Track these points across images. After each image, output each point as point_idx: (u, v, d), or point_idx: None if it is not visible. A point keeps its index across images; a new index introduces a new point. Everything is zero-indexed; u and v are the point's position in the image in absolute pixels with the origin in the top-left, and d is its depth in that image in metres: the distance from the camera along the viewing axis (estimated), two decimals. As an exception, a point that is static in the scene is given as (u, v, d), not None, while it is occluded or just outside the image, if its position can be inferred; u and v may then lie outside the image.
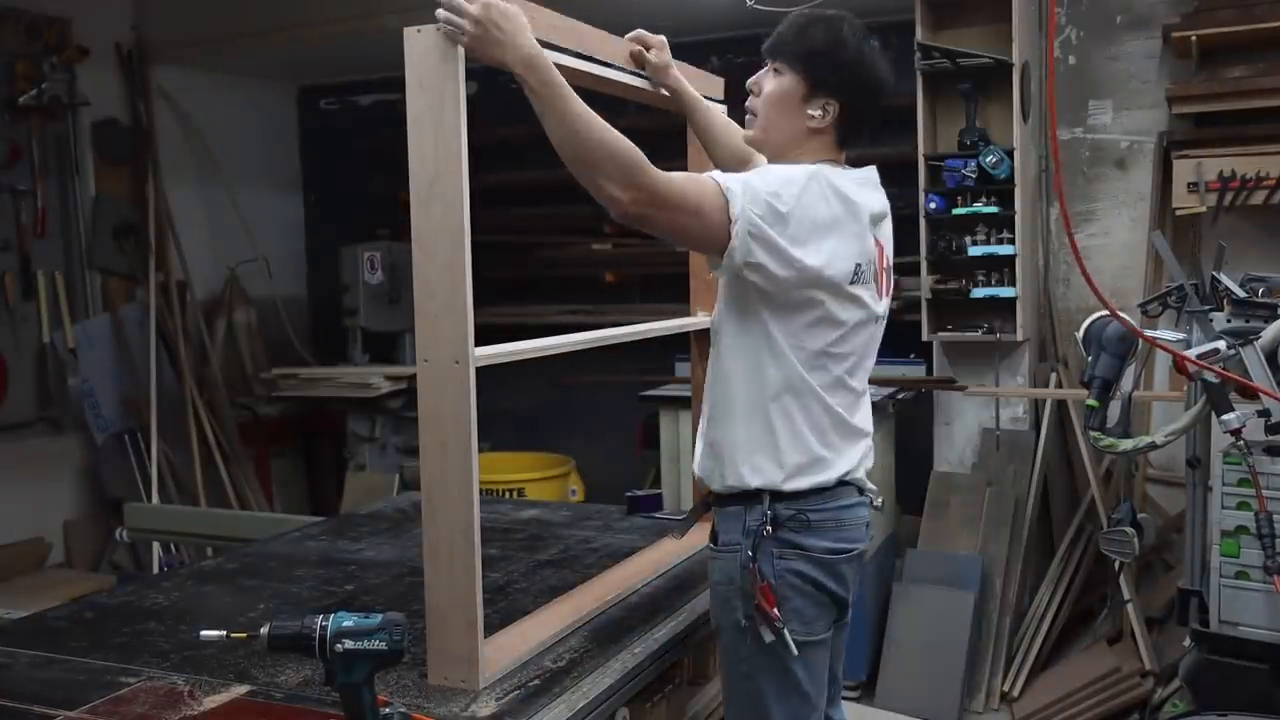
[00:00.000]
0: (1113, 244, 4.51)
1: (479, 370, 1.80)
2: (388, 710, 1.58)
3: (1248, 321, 2.48)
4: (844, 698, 2.33)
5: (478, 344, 1.80)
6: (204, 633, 1.56)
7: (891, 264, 2.05)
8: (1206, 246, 4.12)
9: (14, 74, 5.04)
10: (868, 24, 1.99)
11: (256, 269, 6.21)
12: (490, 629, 1.98)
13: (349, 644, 1.51)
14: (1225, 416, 2.36)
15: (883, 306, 2.00)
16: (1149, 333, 2.59)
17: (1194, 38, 4.01)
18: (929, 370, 4.71)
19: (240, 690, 1.85)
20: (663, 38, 2.31)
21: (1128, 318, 2.53)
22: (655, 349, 3.62)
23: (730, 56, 5.07)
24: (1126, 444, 2.56)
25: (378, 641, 1.51)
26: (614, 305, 5.73)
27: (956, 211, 4.30)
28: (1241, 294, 2.54)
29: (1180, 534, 3.73)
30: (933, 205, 4.31)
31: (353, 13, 5.07)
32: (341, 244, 6.04)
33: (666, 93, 2.38)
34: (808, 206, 1.81)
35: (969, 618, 4.16)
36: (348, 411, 5.82)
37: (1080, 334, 2.69)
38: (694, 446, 2.11)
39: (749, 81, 2.03)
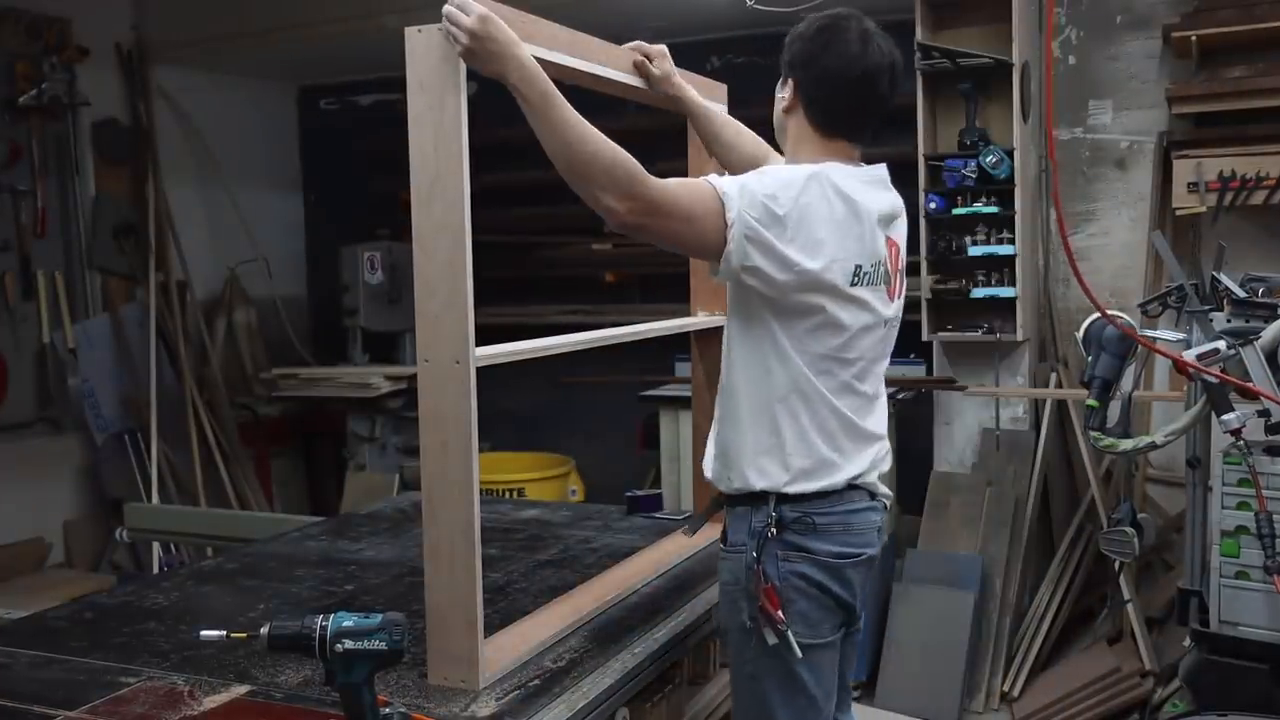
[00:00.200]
0: (1113, 244, 4.51)
1: (479, 370, 1.80)
2: (388, 710, 1.58)
3: (1248, 321, 2.48)
4: (844, 698, 2.31)
5: (478, 344, 1.80)
6: (204, 633, 1.56)
7: (905, 264, 2.02)
8: (1206, 246, 4.11)
9: (14, 74, 5.04)
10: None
11: (256, 269, 6.20)
12: (490, 629, 1.98)
13: (349, 644, 1.51)
14: (1225, 416, 2.36)
15: (893, 309, 1.96)
16: (1147, 334, 2.60)
17: (1194, 38, 4.00)
18: (929, 370, 4.71)
19: (240, 690, 1.85)
20: (663, 47, 2.29)
21: (1124, 320, 2.53)
22: (655, 349, 3.63)
23: (730, 56, 5.07)
24: (1126, 444, 2.56)
25: (378, 641, 1.51)
26: (614, 305, 5.73)
27: (956, 211, 4.30)
28: (1241, 294, 2.54)
29: (1180, 534, 3.73)
30: (933, 205, 4.31)
31: (353, 13, 5.07)
32: (341, 244, 6.04)
33: (669, 106, 2.36)
34: (806, 208, 1.79)
35: (969, 618, 4.15)
36: (348, 411, 5.82)
37: (1080, 334, 2.69)
38: (696, 447, 2.11)
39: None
